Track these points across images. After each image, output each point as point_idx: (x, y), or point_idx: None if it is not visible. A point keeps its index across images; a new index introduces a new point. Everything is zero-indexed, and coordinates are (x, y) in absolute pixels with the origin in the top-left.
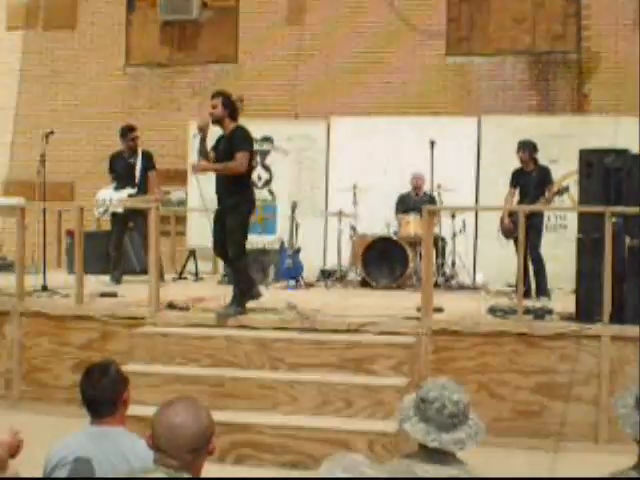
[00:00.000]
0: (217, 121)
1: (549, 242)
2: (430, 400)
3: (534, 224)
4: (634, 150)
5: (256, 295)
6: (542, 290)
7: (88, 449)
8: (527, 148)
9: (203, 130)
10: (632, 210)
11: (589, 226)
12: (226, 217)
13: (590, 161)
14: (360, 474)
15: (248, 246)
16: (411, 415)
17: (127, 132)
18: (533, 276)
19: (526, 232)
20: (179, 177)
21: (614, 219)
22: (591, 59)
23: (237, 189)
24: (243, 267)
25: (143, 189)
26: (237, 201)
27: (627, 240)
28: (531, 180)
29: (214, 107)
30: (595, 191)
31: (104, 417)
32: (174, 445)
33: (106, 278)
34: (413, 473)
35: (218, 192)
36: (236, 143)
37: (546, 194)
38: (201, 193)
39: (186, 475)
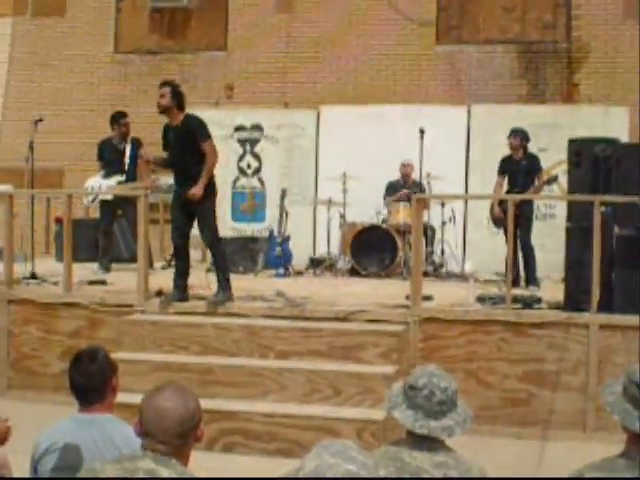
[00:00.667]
0: (164, 111)
1: (538, 231)
2: (419, 387)
3: (524, 213)
4: (623, 139)
5: None
6: (532, 279)
7: (76, 436)
8: (518, 135)
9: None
10: (621, 199)
11: (578, 215)
12: (194, 204)
13: (579, 150)
14: (349, 459)
15: (237, 234)
16: (400, 402)
17: (119, 118)
18: (523, 265)
19: (516, 221)
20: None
21: (603, 208)
22: (581, 49)
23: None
24: (222, 251)
25: (132, 176)
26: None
27: (616, 229)
28: (520, 168)
29: (162, 96)
30: (584, 180)
31: (92, 404)
32: (161, 429)
33: (95, 266)
34: (401, 460)
35: (181, 179)
36: (195, 133)
37: (536, 182)
38: None
39: (174, 461)
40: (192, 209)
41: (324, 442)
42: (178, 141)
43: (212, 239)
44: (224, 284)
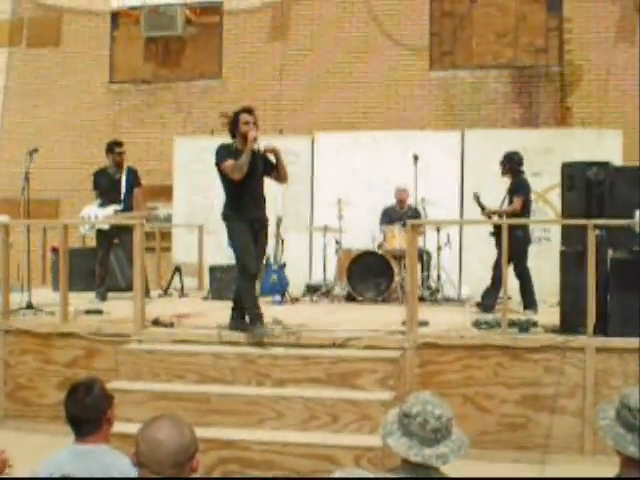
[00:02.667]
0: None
1: (533, 255)
2: (413, 415)
3: (515, 238)
4: (616, 162)
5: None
6: (529, 303)
7: (72, 467)
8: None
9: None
10: (615, 222)
11: (572, 239)
12: (262, 231)
13: (572, 174)
14: None
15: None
16: (394, 430)
17: (114, 147)
18: (519, 290)
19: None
20: (164, 193)
21: (597, 231)
22: (573, 72)
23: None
24: (240, 285)
25: (128, 206)
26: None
27: (610, 252)
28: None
29: (255, 122)
30: (578, 204)
31: (88, 435)
32: (157, 460)
33: (91, 295)
34: None
35: (258, 204)
36: (269, 162)
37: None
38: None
39: None
40: (258, 235)
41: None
42: (259, 169)
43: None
44: (251, 318)
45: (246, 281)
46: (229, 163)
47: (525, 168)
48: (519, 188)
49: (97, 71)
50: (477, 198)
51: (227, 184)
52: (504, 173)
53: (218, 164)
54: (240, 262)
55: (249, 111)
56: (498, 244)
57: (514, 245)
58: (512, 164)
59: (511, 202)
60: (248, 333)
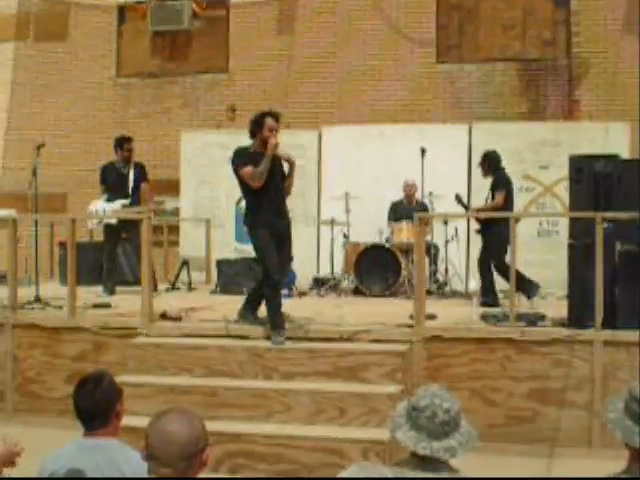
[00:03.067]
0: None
1: (541, 247)
2: (421, 408)
3: (497, 233)
4: (624, 155)
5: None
6: (527, 289)
7: (81, 461)
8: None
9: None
10: (622, 215)
11: (580, 232)
12: (286, 237)
13: (580, 167)
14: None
15: (241, 255)
16: (402, 423)
17: (123, 142)
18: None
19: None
20: (171, 187)
21: (605, 224)
22: (581, 65)
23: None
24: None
25: (136, 200)
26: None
27: (618, 245)
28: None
29: (277, 129)
30: (585, 197)
31: (97, 429)
32: (166, 452)
33: (99, 289)
34: None
35: (281, 211)
36: (282, 165)
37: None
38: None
39: None
40: (281, 244)
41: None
42: (279, 174)
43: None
44: (273, 325)
45: (269, 288)
46: (248, 170)
47: (532, 161)
48: (499, 183)
49: (104, 65)
50: (459, 199)
51: (246, 190)
52: (485, 173)
53: (236, 169)
54: (264, 269)
55: (276, 117)
56: (485, 243)
57: (495, 241)
58: (490, 162)
59: (493, 198)
60: (252, 326)
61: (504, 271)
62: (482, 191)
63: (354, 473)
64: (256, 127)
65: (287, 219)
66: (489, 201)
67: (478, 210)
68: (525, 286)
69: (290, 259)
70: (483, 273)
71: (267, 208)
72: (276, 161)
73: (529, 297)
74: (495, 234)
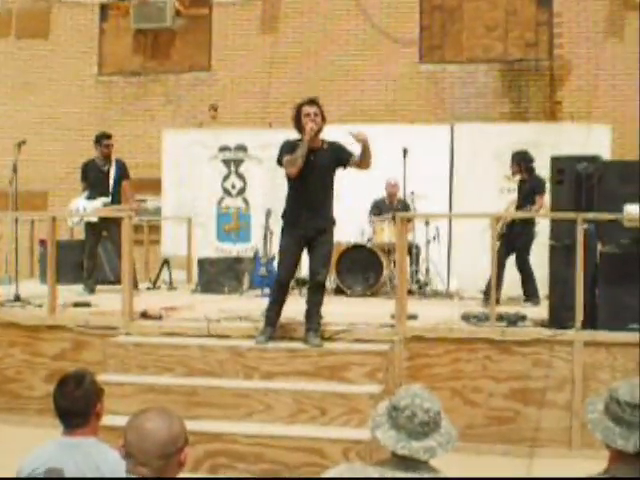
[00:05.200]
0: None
1: None
2: (401, 408)
3: (524, 233)
4: (605, 156)
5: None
6: (530, 295)
7: (60, 460)
8: (513, 159)
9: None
10: (603, 216)
11: (561, 232)
12: (322, 239)
13: (562, 168)
14: None
15: (222, 254)
16: (383, 422)
17: (102, 139)
18: (522, 284)
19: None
20: (153, 186)
21: (586, 225)
22: (563, 66)
23: (332, 209)
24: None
25: (117, 198)
26: (332, 221)
27: (599, 246)
28: (521, 189)
29: (317, 115)
30: (567, 198)
31: (77, 428)
32: (144, 450)
33: (79, 288)
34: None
35: (313, 211)
36: (343, 160)
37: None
38: None
39: None
40: (313, 244)
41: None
42: (322, 168)
43: (324, 279)
44: (318, 325)
45: (274, 285)
46: (286, 158)
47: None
48: (540, 187)
49: (86, 63)
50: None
51: (288, 184)
52: (517, 172)
53: (279, 161)
54: (277, 265)
55: (310, 102)
56: (507, 243)
57: (522, 239)
58: (527, 163)
59: (528, 201)
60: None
61: (528, 269)
62: (463, 191)
63: (342, 473)
64: (295, 121)
65: (323, 219)
66: (508, 200)
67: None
68: (533, 291)
69: (323, 259)
70: (528, 273)
71: (300, 207)
72: (320, 153)
73: (527, 300)
74: (525, 234)
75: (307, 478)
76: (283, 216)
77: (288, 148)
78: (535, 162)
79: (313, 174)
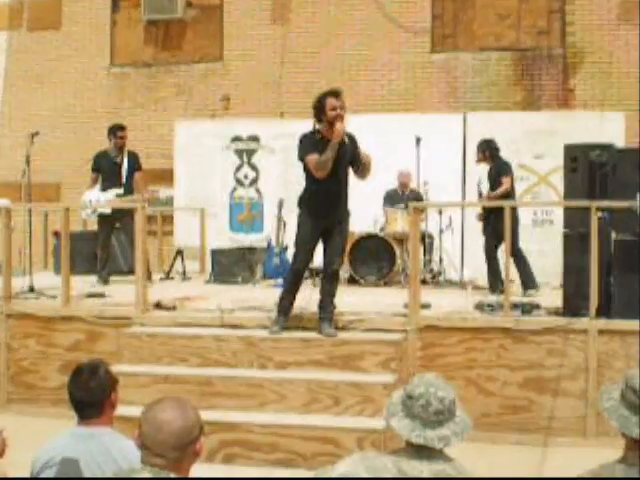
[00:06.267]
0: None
1: (536, 237)
2: (416, 397)
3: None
4: (619, 144)
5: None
6: (528, 283)
7: (75, 450)
8: (478, 148)
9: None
10: (617, 204)
11: (575, 221)
12: (337, 228)
13: (575, 156)
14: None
15: (235, 244)
16: (397, 411)
17: (116, 130)
18: (517, 273)
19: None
20: (165, 176)
21: (600, 214)
22: (576, 54)
23: (348, 200)
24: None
25: (129, 190)
26: (348, 212)
27: (613, 234)
28: (488, 175)
29: (342, 108)
30: (580, 186)
31: (91, 418)
32: (159, 441)
33: (93, 279)
34: (400, 469)
35: (335, 202)
36: (356, 152)
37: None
38: None
39: (172, 475)
40: (330, 233)
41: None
42: (344, 161)
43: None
44: (332, 315)
45: (289, 273)
46: (313, 158)
47: (527, 150)
48: (505, 168)
49: (98, 54)
50: None
51: (307, 175)
52: (483, 160)
53: (302, 157)
54: (294, 253)
55: (336, 94)
56: (491, 233)
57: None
58: (491, 149)
59: (494, 185)
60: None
61: (520, 256)
62: (476, 180)
63: (355, 462)
64: (319, 111)
65: (342, 210)
66: (484, 187)
67: (489, 198)
68: (530, 279)
69: (339, 249)
70: (493, 261)
71: (322, 197)
72: (343, 147)
73: (526, 289)
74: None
75: (317, 478)
76: (300, 204)
77: (309, 144)
78: (501, 150)
79: (339, 168)
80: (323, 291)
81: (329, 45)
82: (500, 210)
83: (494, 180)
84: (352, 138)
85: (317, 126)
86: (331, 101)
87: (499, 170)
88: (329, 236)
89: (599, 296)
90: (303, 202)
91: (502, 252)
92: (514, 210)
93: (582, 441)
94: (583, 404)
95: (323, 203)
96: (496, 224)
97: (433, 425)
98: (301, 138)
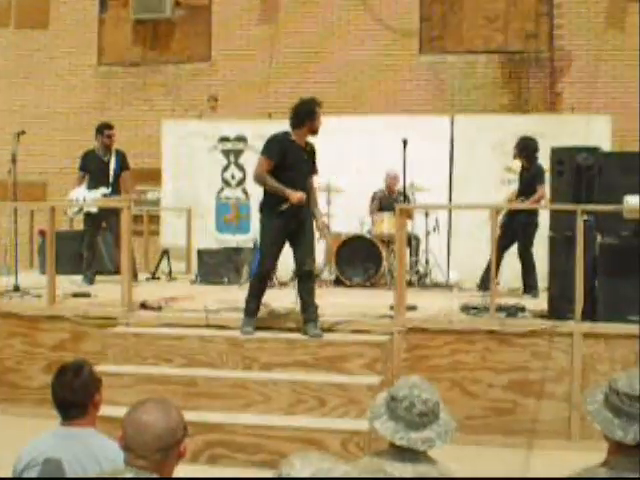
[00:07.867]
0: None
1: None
2: (399, 399)
3: (527, 223)
4: (605, 148)
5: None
6: (529, 287)
7: (58, 450)
8: (516, 147)
9: None
10: (603, 208)
11: (561, 224)
12: (303, 229)
13: (562, 159)
14: (336, 462)
15: (221, 245)
16: (382, 413)
17: (103, 129)
18: (522, 275)
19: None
20: (152, 176)
21: (585, 217)
22: (563, 57)
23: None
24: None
25: (117, 189)
26: (309, 212)
27: (598, 238)
28: (522, 178)
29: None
30: (567, 189)
31: (75, 418)
32: (142, 443)
33: (79, 278)
34: (383, 471)
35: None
36: (314, 158)
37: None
38: None
39: (155, 476)
40: (297, 234)
41: (299, 454)
42: (307, 163)
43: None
44: (316, 314)
45: (256, 277)
46: (265, 164)
47: (512, 153)
48: (540, 177)
49: (85, 53)
50: None
51: (274, 176)
52: (520, 158)
53: (263, 152)
54: (260, 258)
55: (320, 106)
56: (508, 231)
57: (525, 230)
58: (529, 152)
59: (528, 190)
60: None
61: (529, 260)
62: (463, 182)
63: (300, 466)
64: (306, 116)
65: (305, 211)
66: (510, 187)
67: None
68: (532, 284)
69: (308, 248)
70: (530, 263)
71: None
72: (306, 150)
73: (526, 292)
74: (528, 224)
75: (317, 478)
76: (263, 208)
77: (276, 147)
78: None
79: (301, 168)
80: (302, 293)
81: (317, 46)
82: (522, 215)
83: (527, 183)
84: (313, 150)
85: (291, 131)
86: (319, 112)
87: (535, 176)
88: (295, 237)
89: (584, 299)
90: (266, 205)
91: (509, 254)
92: (535, 216)
93: (566, 444)
94: (567, 407)
95: (289, 205)
96: (513, 227)
97: (417, 427)
98: (271, 138)
